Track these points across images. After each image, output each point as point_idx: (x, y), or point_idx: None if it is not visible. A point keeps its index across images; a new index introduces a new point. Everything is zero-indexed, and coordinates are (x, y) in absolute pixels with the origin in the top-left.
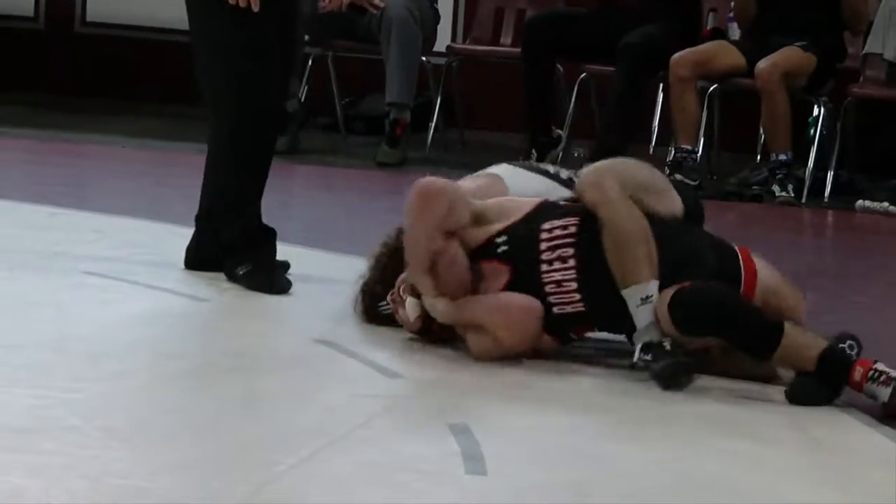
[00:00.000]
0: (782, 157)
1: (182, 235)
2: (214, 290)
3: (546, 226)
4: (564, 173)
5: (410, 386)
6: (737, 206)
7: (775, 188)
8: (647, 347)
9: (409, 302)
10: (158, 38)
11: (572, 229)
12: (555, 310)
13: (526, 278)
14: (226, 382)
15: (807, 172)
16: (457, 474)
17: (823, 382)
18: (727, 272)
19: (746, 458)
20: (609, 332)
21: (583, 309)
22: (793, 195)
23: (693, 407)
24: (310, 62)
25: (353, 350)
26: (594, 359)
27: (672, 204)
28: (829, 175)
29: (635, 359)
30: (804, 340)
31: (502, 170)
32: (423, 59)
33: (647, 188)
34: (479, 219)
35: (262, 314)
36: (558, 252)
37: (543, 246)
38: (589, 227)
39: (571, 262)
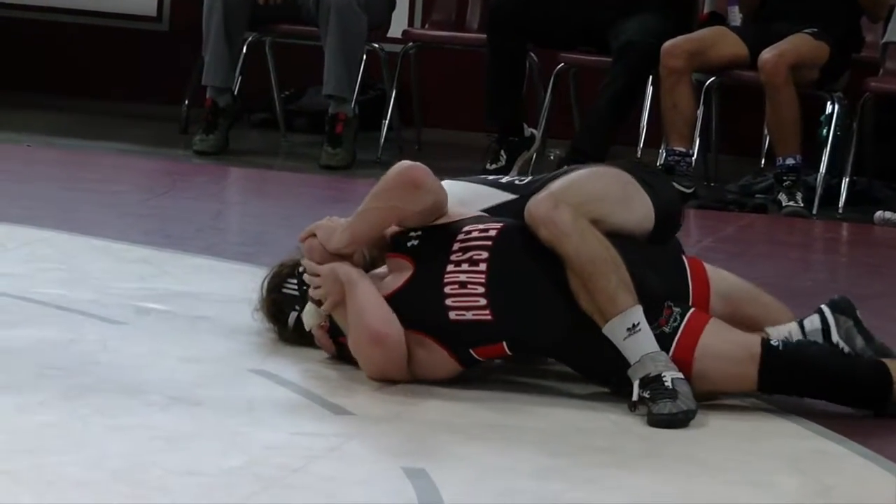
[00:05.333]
0: (790, 161)
1: (96, 248)
2: (133, 312)
3: (467, 228)
4: (506, 178)
5: (359, 423)
6: (737, 218)
7: (782, 197)
8: (644, 383)
9: (309, 309)
10: (67, 20)
11: (493, 233)
12: (451, 314)
13: (428, 276)
14: (147, 418)
15: (818, 179)
16: None
17: None
18: (672, 291)
19: None
20: (528, 353)
21: (489, 318)
22: (802, 205)
23: (683, 447)
24: (245, 49)
25: (294, 381)
26: (571, 391)
27: (636, 212)
28: (844, 182)
29: (634, 397)
30: None
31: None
32: (375, 45)
33: (604, 200)
34: None
35: (188, 340)
36: (470, 254)
37: (456, 246)
38: (511, 233)
39: (482, 266)
